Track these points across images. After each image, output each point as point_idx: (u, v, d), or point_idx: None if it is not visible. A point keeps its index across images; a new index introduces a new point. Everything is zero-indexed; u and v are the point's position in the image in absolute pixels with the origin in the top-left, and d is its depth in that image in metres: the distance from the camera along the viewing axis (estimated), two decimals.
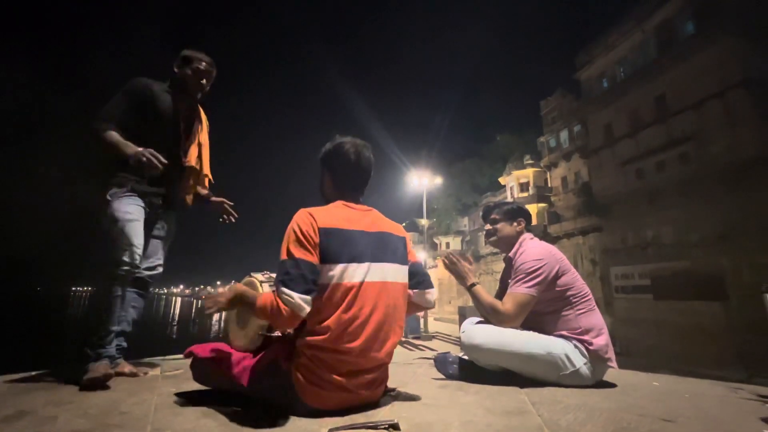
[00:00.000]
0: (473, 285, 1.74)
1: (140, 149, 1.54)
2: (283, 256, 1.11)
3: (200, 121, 1.90)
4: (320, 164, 1.36)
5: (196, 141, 1.87)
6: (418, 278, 1.32)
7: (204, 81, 1.82)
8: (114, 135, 1.58)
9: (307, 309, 1.06)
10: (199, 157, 1.87)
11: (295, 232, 1.13)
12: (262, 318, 1.13)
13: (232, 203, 2.00)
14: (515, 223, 1.86)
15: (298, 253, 1.10)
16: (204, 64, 1.81)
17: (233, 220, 2.00)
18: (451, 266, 1.82)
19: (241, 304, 1.16)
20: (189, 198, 1.89)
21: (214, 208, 2.00)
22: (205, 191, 1.97)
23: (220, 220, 2.00)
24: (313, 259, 1.11)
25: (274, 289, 1.08)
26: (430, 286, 1.35)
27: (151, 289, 1.85)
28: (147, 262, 1.76)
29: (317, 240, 1.12)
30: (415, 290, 1.31)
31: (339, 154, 1.31)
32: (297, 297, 1.04)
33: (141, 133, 1.67)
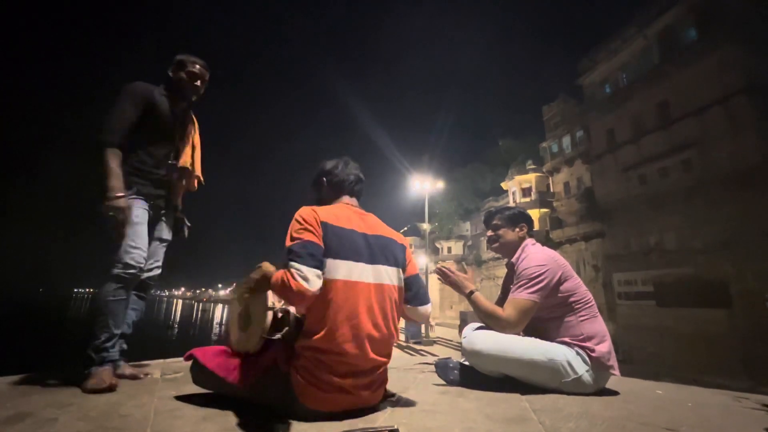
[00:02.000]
0: (471, 293, 1.71)
1: (121, 202, 1.50)
2: (289, 242, 1.13)
3: (193, 124, 1.93)
4: (316, 178, 1.41)
5: (190, 143, 1.89)
6: (414, 292, 1.32)
7: (198, 83, 1.84)
8: (113, 158, 1.55)
9: (318, 283, 1.09)
10: (192, 158, 1.89)
11: (298, 221, 1.17)
12: (276, 293, 1.15)
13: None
14: (517, 229, 1.86)
15: (304, 236, 1.13)
16: (197, 66, 1.82)
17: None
18: (446, 279, 1.79)
19: (263, 280, 1.18)
20: (179, 199, 1.92)
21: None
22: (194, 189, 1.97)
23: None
24: (319, 241, 1.14)
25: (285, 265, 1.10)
26: (426, 302, 1.35)
27: (150, 290, 1.85)
28: (146, 264, 1.76)
29: (320, 231, 1.16)
30: (408, 305, 1.32)
31: (333, 165, 1.40)
32: (306, 270, 1.07)
33: (140, 135, 1.69)
